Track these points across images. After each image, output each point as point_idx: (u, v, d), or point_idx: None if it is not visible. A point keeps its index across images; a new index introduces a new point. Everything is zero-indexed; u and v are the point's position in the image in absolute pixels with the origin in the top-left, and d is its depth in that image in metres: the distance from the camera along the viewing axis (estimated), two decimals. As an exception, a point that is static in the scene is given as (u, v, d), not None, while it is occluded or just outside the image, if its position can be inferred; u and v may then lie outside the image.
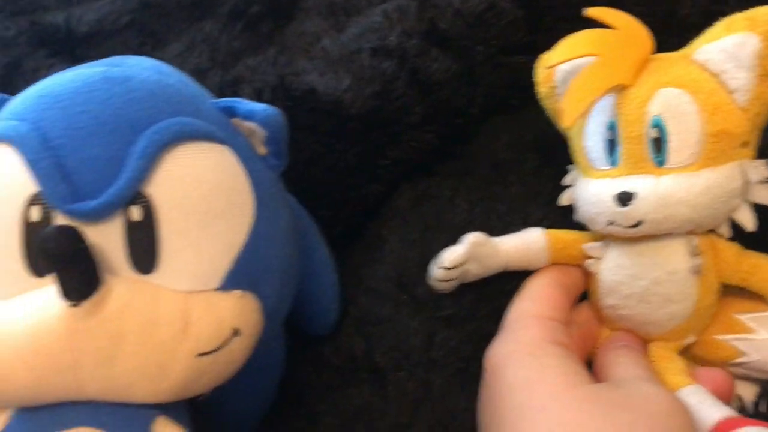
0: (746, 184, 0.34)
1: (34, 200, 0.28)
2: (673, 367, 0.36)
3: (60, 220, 0.28)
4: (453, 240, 0.40)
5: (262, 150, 0.33)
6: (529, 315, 0.36)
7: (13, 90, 0.48)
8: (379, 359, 0.37)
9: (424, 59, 0.44)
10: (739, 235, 0.36)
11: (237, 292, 0.30)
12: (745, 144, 0.34)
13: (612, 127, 0.36)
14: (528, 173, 0.47)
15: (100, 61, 0.34)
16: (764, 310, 0.36)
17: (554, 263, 0.40)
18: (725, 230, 0.36)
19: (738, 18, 0.34)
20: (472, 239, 0.38)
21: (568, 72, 0.38)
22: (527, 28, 0.49)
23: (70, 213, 0.27)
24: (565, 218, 0.42)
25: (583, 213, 0.38)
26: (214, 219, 0.29)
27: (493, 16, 0.47)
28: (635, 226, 0.34)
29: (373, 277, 0.40)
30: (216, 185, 0.30)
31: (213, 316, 0.29)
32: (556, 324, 0.36)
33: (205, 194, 0.29)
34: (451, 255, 0.38)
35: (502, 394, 0.32)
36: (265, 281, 0.31)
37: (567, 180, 0.41)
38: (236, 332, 0.30)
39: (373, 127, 0.42)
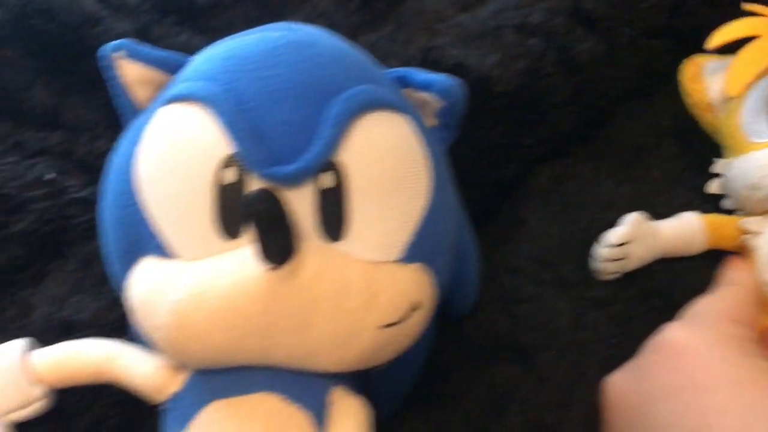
0: None
1: (228, 162, 0.27)
2: None
3: (254, 183, 0.27)
4: (598, 218, 0.39)
5: (431, 121, 0.33)
6: (725, 315, 0.35)
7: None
8: (524, 338, 0.36)
9: (571, 38, 0.43)
10: None
11: (416, 265, 0.29)
12: None
13: None
14: (667, 159, 0.45)
15: (272, 26, 0.33)
16: None
17: (711, 246, 0.39)
18: None
19: None
20: (635, 217, 0.38)
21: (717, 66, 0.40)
22: (669, 11, 0.47)
23: (268, 177, 0.27)
24: (708, 204, 0.41)
25: (740, 184, 0.38)
26: (398, 189, 0.29)
27: (640, -2, 0.46)
28: None
29: (516, 256, 0.39)
30: (400, 155, 0.29)
31: (396, 288, 0.28)
32: (749, 330, 0.35)
33: (391, 164, 0.29)
34: (616, 232, 0.37)
35: (698, 381, 0.31)
36: (439, 255, 0.31)
37: (716, 168, 0.41)
38: (416, 306, 0.29)
39: (519, 106, 0.41)
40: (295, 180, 0.27)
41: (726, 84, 0.39)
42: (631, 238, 0.38)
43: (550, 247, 0.39)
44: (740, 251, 0.39)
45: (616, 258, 0.38)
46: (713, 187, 0.41)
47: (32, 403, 0.31)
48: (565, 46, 0.43)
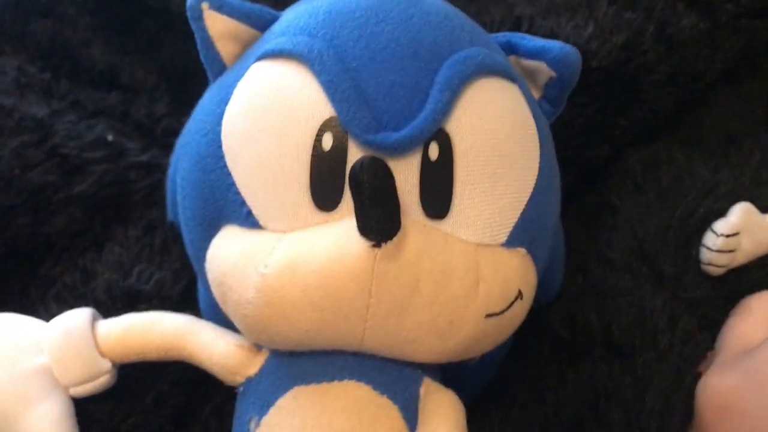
0: None
1: (328, 126, 0.25)
2: None
3: (356, 150, 0.24)
4: (698, 207, 0.36)
5: (537, 93, 0.30)
6: None
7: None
8: (620, 336, 0.33)
9: (671, 13, 0.40)
10: None
11: (521, 250, 0.27)
12: None
13: None
14: (765, 146, 0.42)
15: None
16: None
17: None
18: None
19: None
20: (744, 206, 0.36)
21: None
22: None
23: (371, 144, 0.24)
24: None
25: None
26: (507, 166, 0.26)
27: (744, -27, 0.42)
28: None
29: (608, 245, 0.36)
30: (512, 129, 0.26)
31: (501, 274, 0.26)
32: None
33: (502, 138, 0.26)
34: (728, 222, 0.35)
35: None
36: (540, 241, 0.28)
37: None
38: (520, 295, 0.27)
39: (616, 82, 0.38)
40: (400, 149, 0.24)
41: None
42: (742, 229, 0.35)
43: (647, 237, 0.36)
44: None
45: (727, 249, 0.35)
46: None
47: (98, 376, 0.29)
48: (665, 21, 0.39)
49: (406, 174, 0.25)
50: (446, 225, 0.25)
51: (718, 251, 0.35)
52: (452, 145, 0.25)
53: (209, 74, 0.30)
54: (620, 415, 0.31)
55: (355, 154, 0.24)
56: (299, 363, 0.26)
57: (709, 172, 0.39)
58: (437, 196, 0.25)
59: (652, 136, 0.43)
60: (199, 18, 0.28)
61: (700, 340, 0.34)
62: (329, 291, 0.24)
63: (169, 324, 0.29)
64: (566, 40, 0.38)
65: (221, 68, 0.29)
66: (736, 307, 0.35)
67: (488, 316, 0.26)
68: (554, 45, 0.28)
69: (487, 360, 0.31)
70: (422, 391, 0.27)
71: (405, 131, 0.24)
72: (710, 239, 0.35)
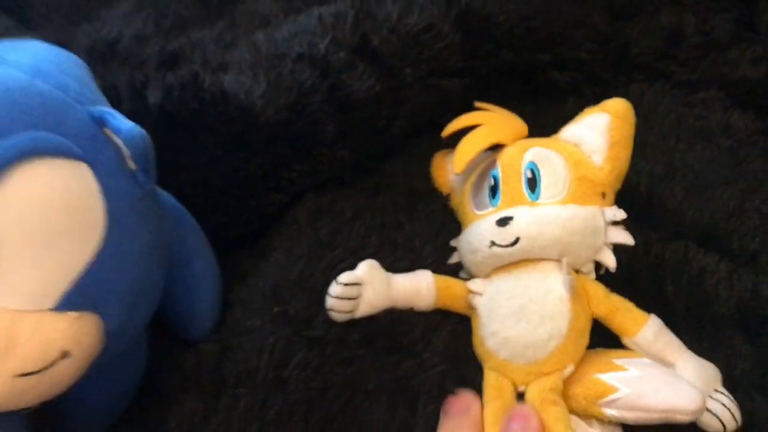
0: (606, 228, 0.40)
1: None
2: (561, 415, 0.37)
3: None
4: (340, 260, 0.40)
5: (132, 165, 0.33)
6: None
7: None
8: (226, 372, 0.37)
9: (349, 75, 0.44)
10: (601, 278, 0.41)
11: (72, 314, 0.30)
12: (603, 195, 0.42)
13: (495, 176, 0.42)
14: (437, 209, 0.47)
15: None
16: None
17: (440, 306, 0.42)
18: (591, 271, 0.41)
19: (592, 108, 0.44)
20: (370, 262, 0.41)
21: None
22: (464, 53, 0.48)
23: None
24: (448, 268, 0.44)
25: (466, 251, 0.42)
26: (56, 239, 0.29)
27: (430, 37, 0.47)
28: (513, 243, 0.39)
29: (253, 288, 0.40)
30: (62, 205, 0.29)
31: (41, 337, 0.29)
32: None
33: (49, 214, 0.28)
34: (348, 274, 0.40)
35: None
36: (110, 302, 0.31)
37: (453, 243, 0.45)
38: (65, 354, 0.30)
39: (281, 139, 0.42)
40: None
41: (453, 163, 0.43)
42: (364, 281, 0.40)
43: (286, 280, 0.40)
44: (467, 313, 0.42)
45: (346, 297, 0.39)
46: (453, 258, 0.44)
47: None
48: (340, 83, 0.43)
49: None
50: None
51: (337, 298, 0.40)
52: None
53: None
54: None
55: None
56: None
57: (366, 231, 0.44)
58: None
59: (341, 180, 0.47)
60: None
61: (313, 377, 0.39)
62: None
63: None
64: (235, 96, 0.41)
65: None
66: None
67: (23, 375, 0.29)
68: (125, 126, 0.31)
69: (107, 396, 0.35)
70: None
71: None
72: (332, 288, 0.40)
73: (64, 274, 0.29)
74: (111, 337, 0.32)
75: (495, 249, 0.39)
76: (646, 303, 0.42)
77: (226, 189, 0.40)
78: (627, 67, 0.55)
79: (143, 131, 0.31)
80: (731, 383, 0.40)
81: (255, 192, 0.43)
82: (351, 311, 0.40)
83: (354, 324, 0.40)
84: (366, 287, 0.40)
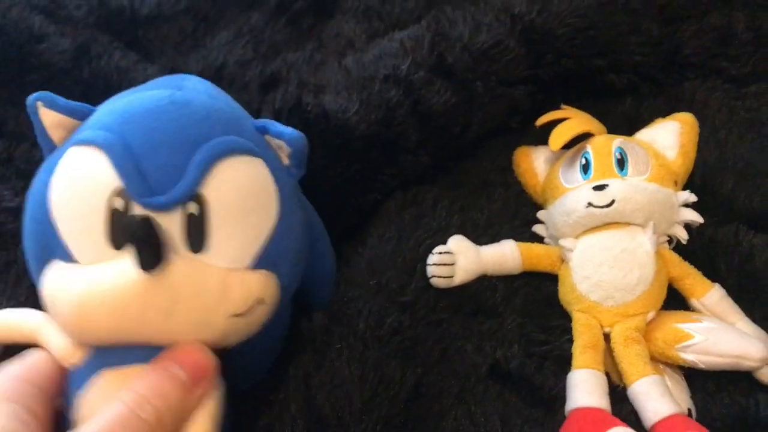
0: (678, 209, 0.48)
1: (117, 193, 0.35)
2: (642, 352, 0.44)
3: (137, 208, 0.35)
4: (425, 239, 0.48)
5: (285, 161, 0.40)
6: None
7: (79, 72, 0.57)
8: (333, 333, 0.44)
9: (428, 91, 0.51)
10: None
11: (263, 271, 0.37)
12: (675, 183, 0.50)
13: (586, 156, 0.49)
14: (511, 195, 0.53)
15: (167, 81, 0.42)
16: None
17: (526, 269, 0.50)
18: (665, 243, 0.48)
19: (662, 119, 0.53)
20: (458, 236, 0.49)
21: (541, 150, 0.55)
22: (529, 63, 0.55)
23: (146, 204, 0.35)
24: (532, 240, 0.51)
25: (559, 214, 0.48)
26: (249, 215, 0.37)
27: (498, 52, 0.53)
28: (609, 205, 0.46)
29: (355, 267, 0.48)
30: (252, 189, 0.37)
31: (244, 287, 0.36)
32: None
33: (244, 196, 0.36)
34: (442, 246, 0.48)
35: None
36: (283, 264, 0.38)
37: (540, 215, 0.52)
38: (260, 301, 0.37)
39: (373, 148, 0.49)
40: (166, 207, 0.35)
41: (550, 142, 0.50)
42: (455, 251, 0.48)
43: (380, 259, 0.48)
44: (553, 272, 0.49)
45: (443, 263, 0.47)
46: (538, 228, 0.52)
47: None
48: (421, 98, 0.50)
49: (173, 223, 0.35)
50: (205, 257, 0.36)
51: (434, 264, 0.47)
52: (207, 202, 0.36)
53: (43, 152, 0.41)
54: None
55: (136, 211, 0.35)
56: (107, 354, 0.37)
57: (448, 213, 0.51)
58: (197, 238, 0.36)
59: (425, 179, 0.54)
60: (36, 113, 0.39)
61: (403, 332, 0.45)
62: (115, 306, 0.35)
63: (33, 319, 0.41)
64: (334, 115, 0.49)
65: (52, 148, 0.40)
66: None
67: (234, 316, 0.37)
68: (287, 131, 0.40)
69: (261, 348, 0.43)
70: None
71: (168, 196, 0.35)
72: (430, 258, 0.48)
73: (255, 240, 0.37)
74: (283, 291, 0.40)
75: (591, 209, 0.46)
76: (703, 278, 0.48)
77: (330, 191, 0.48)
78: (680, 67, 0.60)
79: (302, 134, 0.40)
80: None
81: (353, 192, 0.50)
82: (450, 276, 0.48)
83: (442, 293, 0.47)
84: (458, 256, 0.48)
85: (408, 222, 0.50)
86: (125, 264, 0.35)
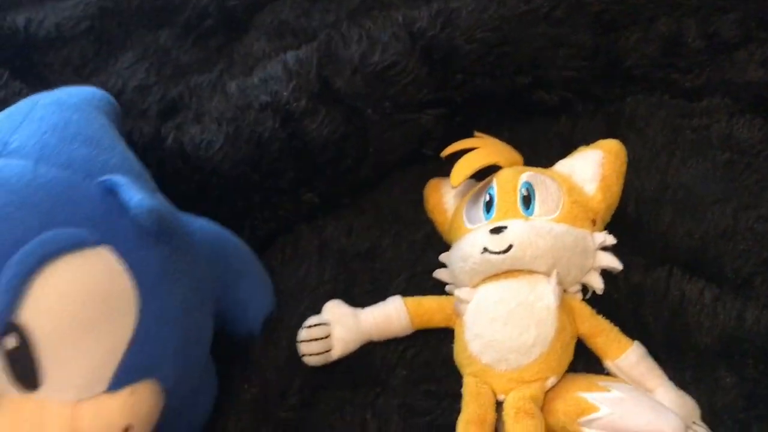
0: (595, 252, 0.42)
1: None
2: (534, 428, 0.37)
3: None
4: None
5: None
6: None
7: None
8: None
9: (310, 121, 0.45)
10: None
11: (126, 391, 0.31)
12: (594, 222, 0.43)
13: (491, 193, 0.43)
14: (420, 236, 0.48)
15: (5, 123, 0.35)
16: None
17: (416, 327, 0.43)
18: (578, 293, 0.42)
19: (585, 147, 0.46)
20: (333, 301, 0.43)
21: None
22: (434, 85, 0.48)
23: None
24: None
25: (456, 259, 0.43)
26: (93, 328, 0.30)
27: (395, 74, 0.47)
28: (506, 251, 0.40)
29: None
30: (91, 296, 0.30)
31: (102, 420, 0.30)
32: None
33: (80, 308, 0.30)
34: (313, 317, 0.42)
35: None
36: (162, 365, 0.32)
37: (442, 258, 0.45)
38: (128, 428, 0.31)
39: (239, 191, 0.43)
40: None
41: (451, 177, 0.44)
42: (331, 320, 0.42)
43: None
44: (450, 327, 0.43)
45: (316, 337, 0.41)
46: (440, 273, 0.45)
47: None
48: (300, 131, 0.44)
49: None
50: (41, 394, 0.30)
51: (305, 341, 0.41)
52: (28, 332, 0.29)
53: None
54: None
55: None
56: None
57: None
58: (26, 374, 0.29)
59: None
60: None
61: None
62: None
63: None
64: (193, 152, 0.43)
65: None
66: None
67: None
68: (133, 202, 0.31)
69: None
70: None
71: None
72: (300, 332, 0.42)
73: (109, 356, 0.31)
74: (170, 393, 0.33)
75: (487, 255, 0.40)
76: (626, 333, 0.41)
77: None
78: (620, 80, 0.53)
79: (152, 204, 0.31)
80: (713, 417, 0.39)
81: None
82: (326, 351, 0.41)
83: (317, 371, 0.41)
84: (334, 326, 0.42)
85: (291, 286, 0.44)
86: None
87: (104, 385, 0.30)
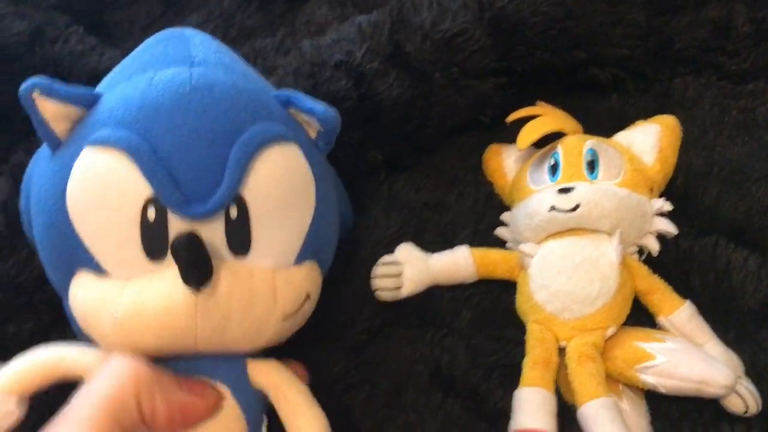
0: (651, 217, 0.44)
1: (150, 202, 0.32)
2: (596, 371, 0.40)
3: (173, 219, 0.33)
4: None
5: (313, 134, 0.38)
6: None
7: (31, 57, 0.54)
8: None
9: (381, 83, 0.47)
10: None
11: (307, 264, 0.36)
12: (651, 190, 0.46)
13: (556, 157, 0.46)
14: (480, 196, 0.51)
15: (172, 47, 0.37)
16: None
17: (480, 276, 0.46)
18: (635, 254, 0.45)
19: (642, 121, 0.49)
20: (405, 245, 0.46)
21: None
22: (497, 55, 0.50)
23: (185, 216, 0.32)
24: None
25: (522, 216, 0.45)
26: (290, 210, 0.35)
27: (462, 42, 0.49)
28: (573, 210, 0.42)
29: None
30: (291, 182, 0.35)
31: (293, 286, 0.35)
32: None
33: (284, 191, 0.35)
34: (387, 255, 0.46)
35: None
36: (324, 250, 0.38)
37: (504, 218, 0.48)
38: (308, 296, 0.36)
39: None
40: (206, 216, 0.33)
41: (518, 140, 0.47)
42: (403, 260, 0.45)
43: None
44: (512, 279, 0.46)
45: (389, 274, 0.44)
46: (501, 230, 0.48)
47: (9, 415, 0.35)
48: (371, 92, 0.47)
49: (215, 230, 0.33)
50: (249, 260, 0.34)
51: (379, 276, 0.45)
52: (247, 204, 0.34)
53: (48, 146, 0.36)
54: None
55: (173, 222, 0.33)
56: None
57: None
58: (240, 241, 0.34)
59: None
60: (32, 104, 0.34)
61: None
62: (165, 326, 0.33)
63: (45, 355, 0.35)
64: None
65: (57, 143, 0.35)
66: None
67: (285, 318, 0.35)
68: (321, 109, 0.36)
69: None
70: (249, 368, 0.36)
71: (209, 204, 0.33)
72: (375, 269, 0.45)
73: (299, 234, 0.36)
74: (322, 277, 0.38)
75: (554, 213, 0.43)
76: (675, 293, 0.44)
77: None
78: (671, 61, 0.55)
79: (336, 111, 0.37)
80: (755, 376, 0.41)
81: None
82: (397, 288, 0.44)
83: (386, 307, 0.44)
84: (406, 266, 0.45)
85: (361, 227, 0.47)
86: (171, 280, 0.32)
87: (292, 258, 0.36)
